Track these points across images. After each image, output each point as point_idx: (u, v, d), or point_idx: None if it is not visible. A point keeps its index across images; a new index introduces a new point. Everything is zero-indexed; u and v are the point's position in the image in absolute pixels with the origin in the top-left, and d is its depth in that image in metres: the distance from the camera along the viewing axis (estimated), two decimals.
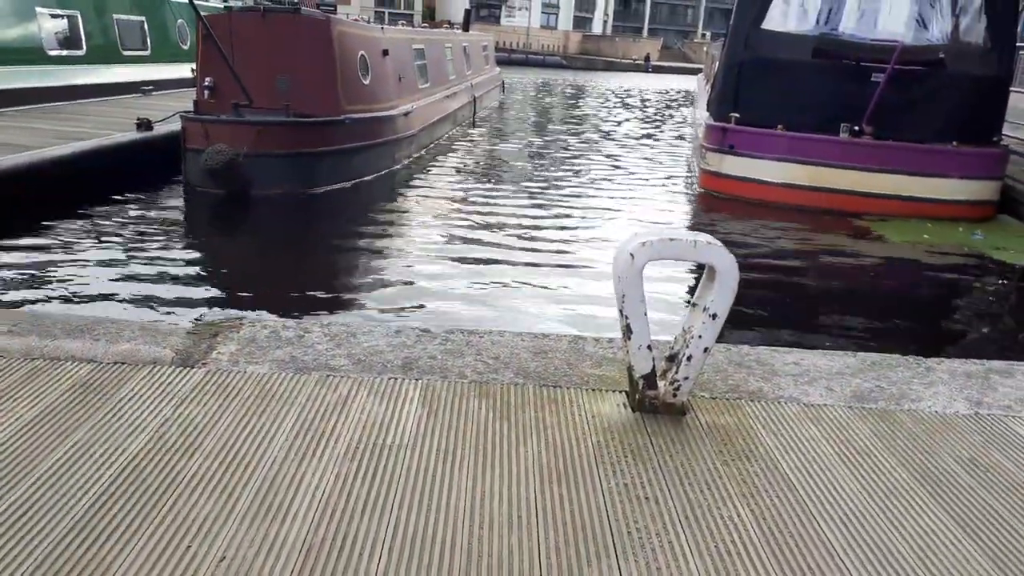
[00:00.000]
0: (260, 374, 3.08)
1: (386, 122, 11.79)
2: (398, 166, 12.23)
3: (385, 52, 12.34)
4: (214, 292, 6.63)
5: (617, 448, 2.70)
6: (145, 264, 7.09)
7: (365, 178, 10.99)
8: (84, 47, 13.88)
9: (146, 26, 15.95)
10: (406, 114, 12.69)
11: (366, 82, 11.35)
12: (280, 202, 9.63)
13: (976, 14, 10.65)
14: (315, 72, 10.28)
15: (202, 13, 9.95)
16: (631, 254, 2.79)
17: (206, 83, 10.22)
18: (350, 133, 10.58)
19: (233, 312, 5.99)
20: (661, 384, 2.96)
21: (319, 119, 10.11)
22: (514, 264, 7.66)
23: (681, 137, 19.49)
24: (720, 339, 2.98)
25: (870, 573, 2.14)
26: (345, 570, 2.02)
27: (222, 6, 10.65)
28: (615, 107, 27.23)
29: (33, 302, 6.03)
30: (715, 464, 2.64)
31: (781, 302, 7.14)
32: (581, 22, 71.68)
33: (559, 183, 12.05)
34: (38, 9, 12.71)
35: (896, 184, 10.26)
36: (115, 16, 14.84)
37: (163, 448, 2.52)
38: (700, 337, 2.87)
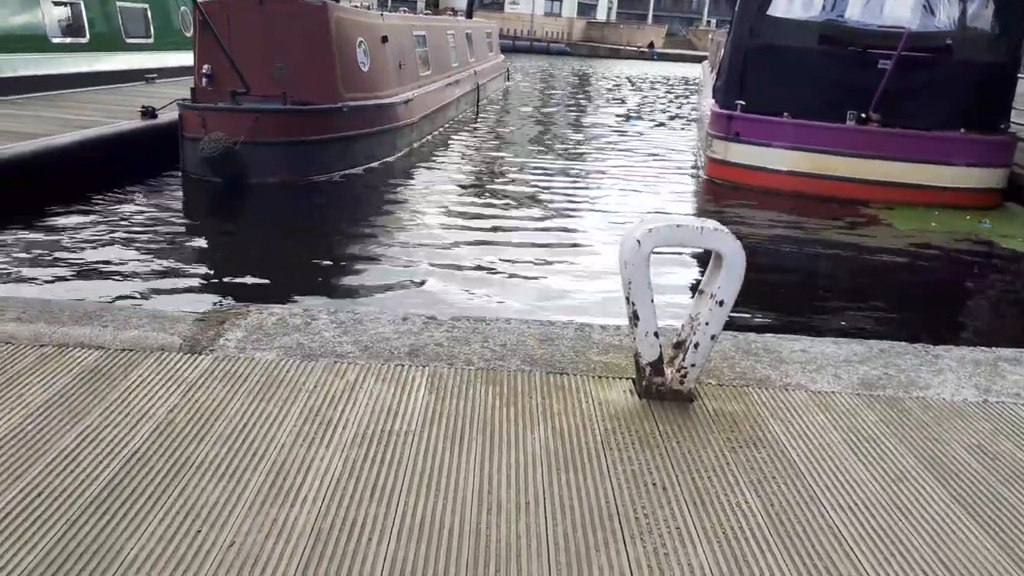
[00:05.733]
0: (268, 360, 3.08)
1: (386, 110, 11.74)
2: (399, 154, 12.18)
3: (385, 39, 12.27)
4: (220, 279, 6.64)
5: (624, 435, 2.70)
6: (151, 252, 7.09)
7: (365, 166, 10.95)
8: (87, 35, 13.84)
9: (149, 13, 15.89)
10: (406, 102, 12.63)
11: (365, 69, 11.29)
12: (279, 190, 9.61)
13: (983, 0, 10.56)
14: (313, 59, 10.22)
15: (198, 0, 9.90)
16: (637, 240, 2.79)
17: (204, 71, 10.17)
18: (349, 121, 10.53)
19: (240, 299, 5.99)
20: (668, 371, 2.96)
21: (317, 107, 10.06)
22: (520, 251, 7.65)
23: (686, 125, 19.41)
24: (727, 326, 2.98)
25: (878, 560, 2.14)
26: (354, 555, 2.03)
27: None
28: (620, 94, 27.12)
29: (41, 289, 6.04)
30: (722, 451, 2.64)
31: (788, 289, 7.12)
32: (585, 9, 71.23)
33: (564, 170, 12.02)
34: None
35: (903, 171, 10.21)
36: (118, 3, 14.78)
37: (171, 434, 2.53)
38: (707, 324, 2.87)
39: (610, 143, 15.35)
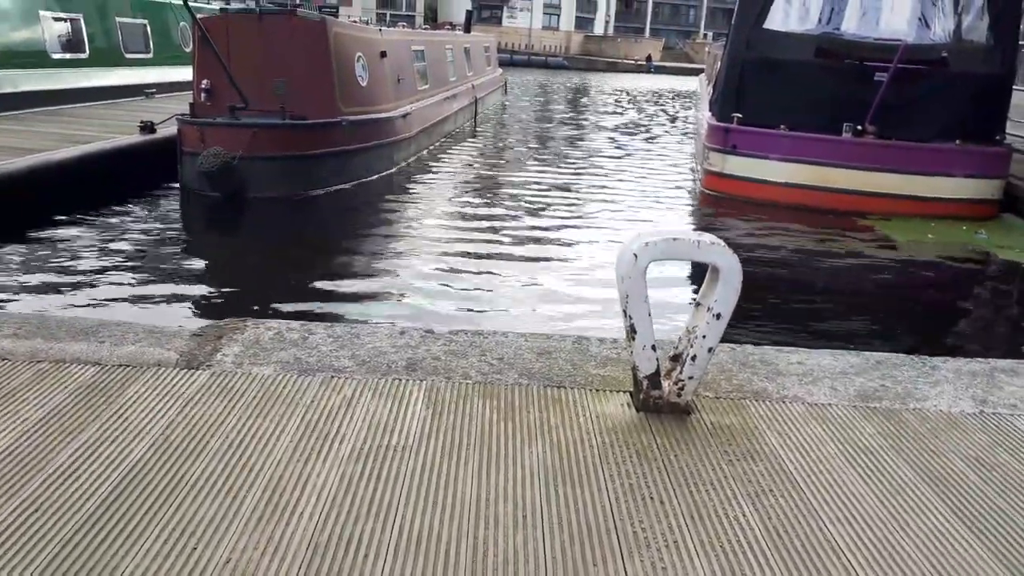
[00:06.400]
0: (265, 376, 3.08)
1: (384, 124, 11.77)
2: (397, 168, 12.22)
3: (383, 54, 12.33)
4: (217, 294, 6.64)
5: (622, 448, 2.70)
6: (148, 267, 7.10)
7: (363, 181, 10.97)
8: (87, 50, 13.91)
9: (148, 29, 15.98)
10: (405, 116, 12.67)
11: (363, 84, 11.34)
12: (277, 205, 9.63)
13: (979, 13, 10.63)
14: (311, 74, 10.26)
15: (198, 15, 9.96)
16: (634, 254, 2.79)
17: (203, 86, 10.22)
18: (347, 135, 10.56)
19: (237, 314, 5.98)
20: (665, 384, 2.96)
21: (315, 121, 10.09)
22: (517, 265, 7.66)
23: (684, 138, 19.48)
24: (724, 339, 2.98)
25: (876, 573, 2.13)
26: (351, 571, 2.02)
27: (217, 8, 10.66)
28: (617, 108, 27.23)
29: (38, 305, 6.04)
30: (720, 464, 2.64)
31: (785, 302, 7.13)
32: (583, 23, 71.71)
33: (561, 184, 12.05)
34: (41, 12, 12.74)
35: (899, 183, 10.24)
36: (117, 19, 14.87)
37: (168, 450, 2.52)
38: (704, 337, 2.87)
39: (607, 156, 15.39)
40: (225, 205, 9.44)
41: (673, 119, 24.24)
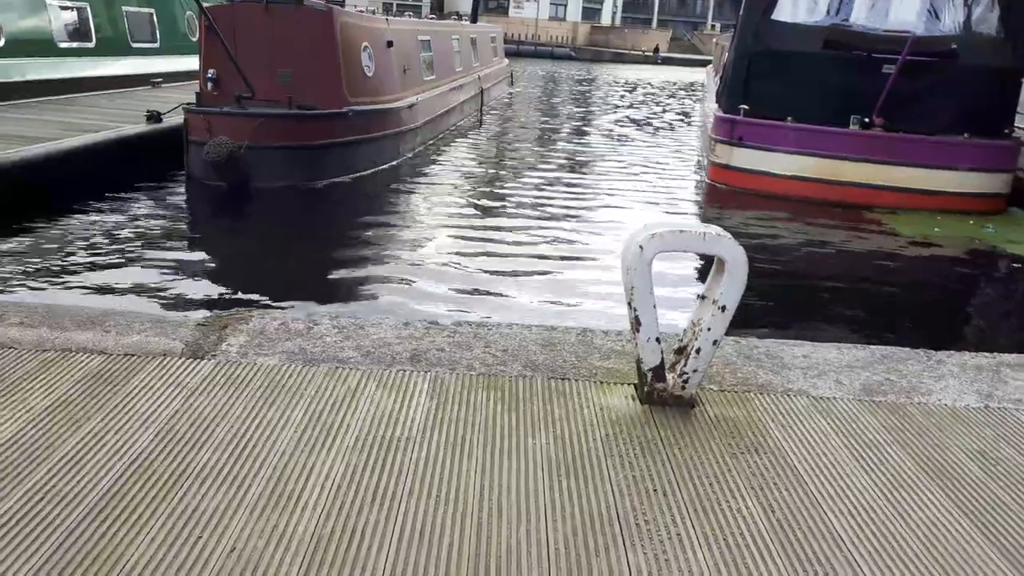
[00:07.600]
0: (269, 366, 3.09)
1: (390, 115, 11.76)
2: (403, 159, 12.20)
3: (389, 44, 12.30)
4: (222, 284, 6.65)
5: (626, 440, 2.70)
6: (154, 256, 7.11)
7: (369, 171, 10.97)
8: (94, 39, 13.91)
9: (155, 18, 15.96)
10: (411, 106, 12.64)
11: (370, 74, 11.32)
12: (283, 195, 9.63)
13: (989, 4, 10.54)
14: (318, 64, 10.24)
15: (205, 4, 9.95)
16: (640, 246, 2.79)
17: (209, 75, 10.21)
18: (353, 126, 10.55)
19: (242, 304, 6.00)
20: (670, 377, 2.96)
21: (321, 111, 10.08)
22: (522, 256, 7.65)
23: (690, 130, 19.41)
24: (729, 332, 2.98)
25: (878, 565, 2.13)
26: (355, 561, 2.03)
27: None
28: (624, 99, 27.13)
29: (44, 294, 6.06)
30: (724, 457, 2.64)
31: (791, 295, 7.11)
32: (590, 13, 71.35)
33: (567, 175, 12.03)
34: (48, 1, 12.74)
35: (907, 176, 10.19)
36: (124, 8, 14.86)
37: (173, 439, 2.53)
38: (709, 330, 2.87)
39: (613, 148, 15.35)
40: (231, 195, 9.44)
41: (680, 111, 24.14)
